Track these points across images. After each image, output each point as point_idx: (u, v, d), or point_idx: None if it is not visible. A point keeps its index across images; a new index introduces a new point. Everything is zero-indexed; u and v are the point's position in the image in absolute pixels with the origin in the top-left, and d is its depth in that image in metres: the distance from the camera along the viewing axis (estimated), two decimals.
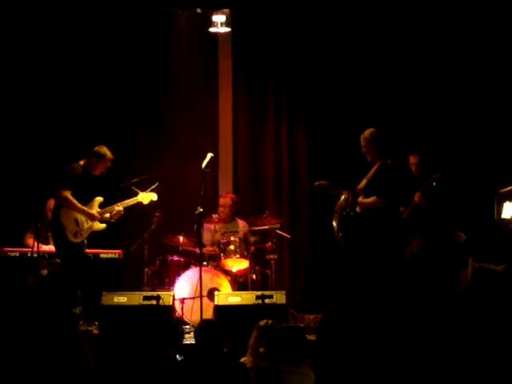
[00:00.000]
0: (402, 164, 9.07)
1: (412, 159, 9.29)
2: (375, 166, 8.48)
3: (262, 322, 6.24)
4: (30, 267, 8.74)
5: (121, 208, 8.70)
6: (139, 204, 8.91)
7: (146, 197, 8.90)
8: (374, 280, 8.16)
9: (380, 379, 3.74)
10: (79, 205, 8.44)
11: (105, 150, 8.64)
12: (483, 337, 3.93)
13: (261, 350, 5.96)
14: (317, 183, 9.07)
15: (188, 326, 8.71)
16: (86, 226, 8.51)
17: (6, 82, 10.35)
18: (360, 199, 8.46)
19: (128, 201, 8.81)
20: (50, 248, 9.14)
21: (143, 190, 8.94)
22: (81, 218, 8.48)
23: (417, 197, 8.91)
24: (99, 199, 8.66)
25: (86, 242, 8.62)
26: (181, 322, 8.77)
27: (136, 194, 8.88)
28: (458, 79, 10.24)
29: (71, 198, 8.36)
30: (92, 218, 8.55)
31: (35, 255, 8.54)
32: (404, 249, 8.51)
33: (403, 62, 10.39)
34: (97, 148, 8.63)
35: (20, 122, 10.39)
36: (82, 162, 8.60)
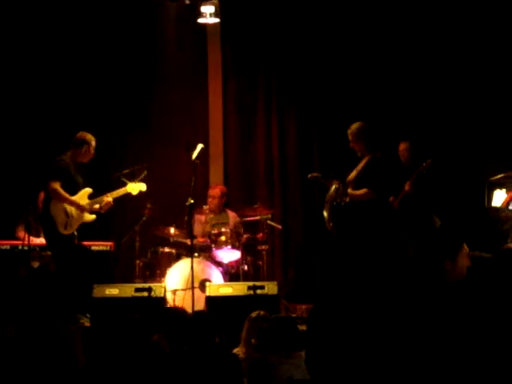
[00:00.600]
0: (391, 155, 9.09)
1: (402, 146, 9.28)
2: (365, 159, 8.53)
3: (254, 314, 6.25)
4: (20, 260, 8.73)
5: (110, 199, 8.62)
6: (129, 195, 8.85)
7: (135, 187, 8.82)
8: (364, 269, 8.18)
9: (372, 369, 3.74)
10: (68, 196, 8.39)
11: (89, 135, 8.58)
12: (475, 322, 3.95)
13: (252, 341, 5.97)
14: (310, 175, 9.11)
15: None
16: (75, 217, 8.46)
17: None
18: (350, 191, 8.49)
19: (117, 191, 8.74)
20: (42, 241, 9.13)
21: (134, 180, 8.88)
22: (70, 209, 8.42)
23: (407, 186, 8.90)
24: (88, 190, 8.59)
25: (76, 233, 8.57)
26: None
27: (125, 185, 8.82)
28: (447, 67, 10.22)
29: (60, 189, 8.31)
30: (82, 209, 8.50)
31: (26, 248, 8.53)
32: (394, 238, 8.56)
33: (393, 52, 10.36)
34: (81, 135, 8.54)
35: (13, 115, 10.38)
36: (69, 153, 8.53)
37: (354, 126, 8.59)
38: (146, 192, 8.95)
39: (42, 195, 9.24)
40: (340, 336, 3.79)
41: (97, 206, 8.60)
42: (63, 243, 8.37)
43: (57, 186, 8.29)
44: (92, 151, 8.56)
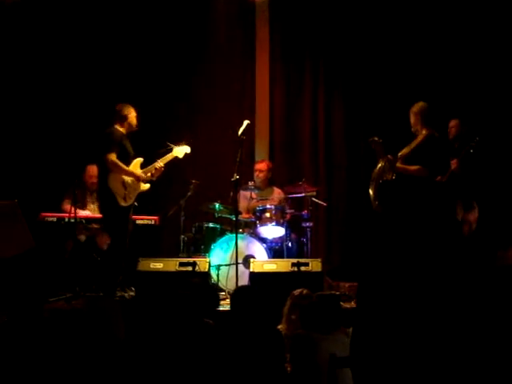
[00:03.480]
0: (440, 133, 9.02)
1: (452, 122, 9.19)
2: (421, 136, 8.43)
3: (296, 292, 6.25)
4: (67, 232, 8.81)
5: (161, 164, 8.66)
6: (176, 159, 8.83)
7: (181, 150, 8.82)
8: (412, 248, 8.12)
9: (417, 346, 3.73)
10: (126, 167, 8.42)
11: (127, 105, 8.59)
12: None
13: (293, 317, 5.98)
14: (371, 139, 8.95)
15: (223, 293, 8.76)
16: (132, 188, 8.47)
17: (45, 52, 10.41)
18: (399, 164, 8.39)
19: (165, 157, 8.75)
20: (87, 213, 9.22)
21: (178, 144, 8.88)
22: (127, 180, 8.43)
23: (454, 164, 8.83)
24: (140, 160, 8.62)
25: (136, 203, 8.60)
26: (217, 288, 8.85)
27: (171, 150, 8.82)
28: (495, 50, 10.11)
29: (118, 161, 8.33)
30: (139, 178, 8.53)
31: (72, 220, 8.61)
32: (442, 216, 8.44)
33: (443, 31, 10.29)
34: (120, 107, 8.55)
35: (59, 90, 10.45)
36: (117, 126, 8.56)
37: (417, 105, 8.52)
38: (192, 167, 8.94)
39: (90, 169, 9.33)
40: (388, 313, 3.78)
41: (149, 174, 8.65)
42: (124, 215, 8.41)
43: (114, 157, 8.30)
44: (135, 120, 8.59)
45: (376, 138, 8.65)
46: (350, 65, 10.78)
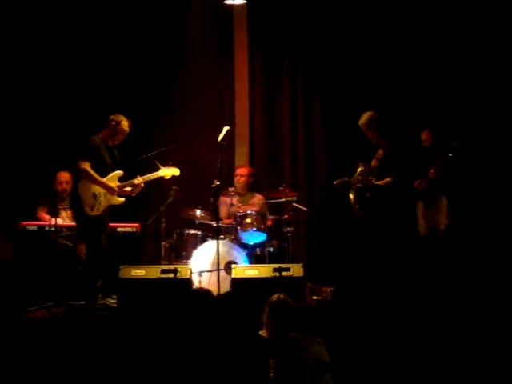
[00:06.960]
0: (414, 141, 9.06)
1: (423, 135, 9.28)
2: (381, 150, 8.45)
3: (274, 298, 6.25)
4: (48, 240, 8.78)
5: (140, 180, 8.58)
6: (161, 179, 8.84)
7: (168, 172, 8.78)
8: (390, 251, 8.17)
9: (390, 351, 3.76)
10: (98, 177, 8.32)
11: (120, 116, 8.53)
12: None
13: (273, 323, 5.98)
14: (336, 182, 9.00)
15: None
16: (103, 199, 8.42)
17: (21, 53, 10.36)
18: (376, 183, 8.44)
19: (149, 175, 8.68)
20: (60, 221, 9.15)
21: (161, 163, 8.82)
22: (99, 191, 8.36)
23: (431, 173, 8.92)
24: (119, 173, 8.54)
25: (103, 214, 8.51)
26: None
27: (157, 169, 8.82)
28: (470, 51, 10.17)
29: (90, 170, 8.26)
30: (111, 191, 8.46)
31: (53, 228, 8.57)
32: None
33: (419, 32, 10.33)
34: (112, 116, 8.54)
35: (33, 97, 10.40)
36: (101, 134, 8.53)
37: (364, 117, 8.53)
38: (177, 175, 8.90)
39: (61, 175, 9.34)
40: (363, 317, 3.80)
41: (128, 188, 8.57)
42: (90, 224, 8.36)
43: (86, 166, 8.24)
44: (121, 132, 8.54)
45: (341, 180, 8.77)
46: (328, 65, 10.79)
